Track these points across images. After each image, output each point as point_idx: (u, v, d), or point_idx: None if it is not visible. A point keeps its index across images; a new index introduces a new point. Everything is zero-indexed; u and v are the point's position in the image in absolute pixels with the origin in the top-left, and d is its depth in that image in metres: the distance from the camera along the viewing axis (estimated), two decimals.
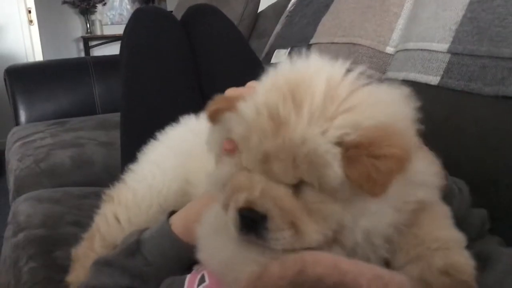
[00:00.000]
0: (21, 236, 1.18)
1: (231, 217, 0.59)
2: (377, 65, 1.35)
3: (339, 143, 0.53)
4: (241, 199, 0.57)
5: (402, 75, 1.19)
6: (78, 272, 0.94)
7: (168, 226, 0.79)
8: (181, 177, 0.92)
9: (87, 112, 2.35)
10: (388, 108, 0.58)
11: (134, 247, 0.78)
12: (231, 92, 0.70)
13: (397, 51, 1.29)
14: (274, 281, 0.52)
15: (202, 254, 0.67)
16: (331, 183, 0.54)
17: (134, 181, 0.96)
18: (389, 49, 1.34)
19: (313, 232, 0.56)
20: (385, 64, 1.34)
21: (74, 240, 1.03)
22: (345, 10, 1.50)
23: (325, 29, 1.55)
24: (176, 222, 0.80)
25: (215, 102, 0.66)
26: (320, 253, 0.56)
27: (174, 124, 1.02)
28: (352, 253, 0.59)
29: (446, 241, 0.61)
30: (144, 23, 1.27)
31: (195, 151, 0.91)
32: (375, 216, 0.57)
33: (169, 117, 1.03)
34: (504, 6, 0.97)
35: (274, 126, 0.55)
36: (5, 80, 2.37)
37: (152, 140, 1.01)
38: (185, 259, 0.77)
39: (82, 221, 1.19)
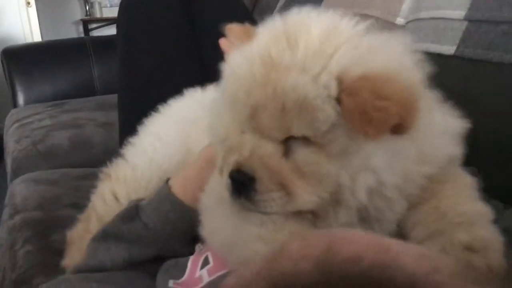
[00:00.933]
0: (17, 218, 1.14)
1: (224, 181, 0.56)
2: None
3: (339, 78, 0.50)
4: (231, 161, 0.54)
5: (414, 46, 1.12)
6: (74, 256, 0.89)
7: (167, 189, 0.75)
8: (183, 148, 0.87)
9: (86, 94, 2.30)
10: (396, 55, 0.54)
11: (133, 211, 0.74)
12: None
13: (408, 22, 1.23)
14: (295, 261, 0.43)
15: (204, 230, 0.64)
16: (322, 127, 0.50)
17: (133, 156, 0.91)
18: (400, 20, 1.27)
19: (306, 193, 0.53)
20: None
21: (71, 222, 0.98)
22: None
23: (331, 2, 1.48)
24: (175, 184, 0.76)
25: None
26: (350, 229, 0.50)
27: (176, 97, 0.97)
28: (365, 214, 0.55)
29: (470, 215, 0.55)
30: None
31: (200, 120, 0.86)
32: (378, 171, 0.51)
33: (168, 92, 0.98)
34: None
35: (265, 72, 0.52)
36: (2, 62, 2.31)
37: (153, 113, 0.96)
38: (185, 224, 0.73)
39: (80, 203, 1.14)
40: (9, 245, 1.07)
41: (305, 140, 0.52)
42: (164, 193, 0.75)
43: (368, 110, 0.47)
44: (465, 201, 0.57)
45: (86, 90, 2.33)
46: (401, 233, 0.58)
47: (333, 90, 0.50)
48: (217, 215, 0.62)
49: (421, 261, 0.37)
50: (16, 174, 1.49)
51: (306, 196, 0.53)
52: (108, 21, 5.52)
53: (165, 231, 0.73)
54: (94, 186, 1.15)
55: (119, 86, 1.21)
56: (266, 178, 0.53)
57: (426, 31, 1.12)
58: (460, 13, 1.01)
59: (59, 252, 0.95)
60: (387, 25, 1.28)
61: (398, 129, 0.49)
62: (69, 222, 1.01)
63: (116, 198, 0.88)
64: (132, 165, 0.90)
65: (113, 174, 0.91)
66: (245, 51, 0.56)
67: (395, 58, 0.53)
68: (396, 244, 0.40)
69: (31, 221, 1.11)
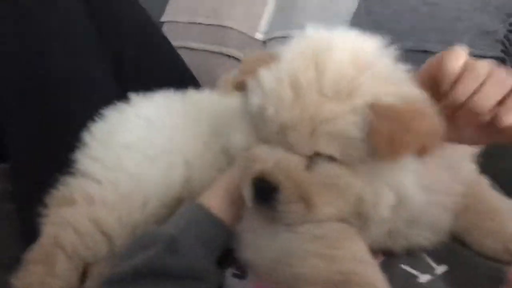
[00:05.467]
0: None
1: (245, 187, 0.59)
2: (247, 50, 1.36)
3: (371, 106, 0.52)
4: (254, 169, 0.57)
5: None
6: None
7: (206, 211, 0.65)
8: (177, 159, 0.75)
9: None
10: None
11: (168, 243, 0.61)
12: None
13: (270, 39, 1.33)
14: None
15: (246, 252, 0.62)
16: (352, 152, 0.54)
17: (106, 172, 0.72)
18: (259, 35, 1.37)
19: (326, 205, 0.56)
20: (255, 50, 1.36)
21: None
22: None
23: (180, 7, 1.46)
24: (213, 204, 0.66)
25: (242, 70, 0.63)
26: None
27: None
28: (395, 234, 0.61)
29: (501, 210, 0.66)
30: None
31: (187, 127, 0.77)
32: (402, 188, 0.55)
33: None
34: (399, 4, 1.15)
35: (293, 95, 0.54)
36: None
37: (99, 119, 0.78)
38: (224, 245, 0.67)
39: None
40: None
41: (330, 157, 0.55)
42: (203, 216, 0.65)
43: (395, 140, 0.50)
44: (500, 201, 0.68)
45: None
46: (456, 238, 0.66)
47: (366, 117, 0.52)
48: (263, 233, 0.61)
49: None
50: None
51: (326, 209, 0.56)
52: None
53: (211, 257, 0.64)
54: None
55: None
56: (289, 189, 0.55)
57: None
58: None
59: None
60: (247, 39, 1.36)
61: (421, 153, 0.53)
62: None
63: (101, 227, 0.68)
64: (110, 185, 0.70)
65: (81, 198, 0.69)
66: (274, 70, 0.57)
67: (412, 90, 0.56)
68: None
69: None
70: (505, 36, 0.98)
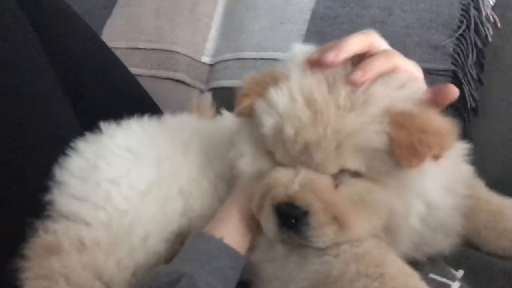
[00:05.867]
0: None
1: (266, 215, 0.57)
2: (195, 74, 1.32)
3: (387, 113, 0.52)
4: (279, 194, 0.55)
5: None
6: None
7: (219, 243, 0.60)
8: (172, 192, 0.69)
9: None
10: (416, 88, 0.58)
11: (191, 284, 0.54)
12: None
13: (218, 62, 1.30)
14: None
15: (270, 285, 0.60)
16: (378, 163, 0.53)
17: (94, 211, 0.64)
18: (205, 59, 1.34)
19: (359, 223, 0.54)
20: (202, 73, 1.32)
21: None
22: (141, 14, 1.38)
23: (116, 32, 1.38)
24: (226, 235, 0.61)
25: (244, 94, 0.60)
26: None
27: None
28: (421, 242, 0.60)
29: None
30: None
31: (175, 154, 0.72)
32: (430, 196, 0.55)
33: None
34: (348, 23, 1.18)
35: (311, 112, 0.54)
36: None
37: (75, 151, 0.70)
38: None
39: None
40: None
41: (355, 172, 0.54)
42: (218, 248, 0.60)
43: (415, 143, 0.50)
44: (503, 201, 0.69)
45: None
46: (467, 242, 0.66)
47: (385, 126, 0.52)
48: (289, 262, 0.58)
49: None
50: None
51: (360, 226, 0.54)
52: None
53: None
54: None
55: None
56: (321, 212, 0.53)
57: (231, 70, 1.25)
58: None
59: None
60: (194, 63, 1.32)
61: (436, 156, 0.53)
62: None
63: (98, 274, 0.59)
64: (102, 225, 0.62)
65: (69, 244, 0.60)
66: (285, 89, 0.56)
67: (418, 91, 0.57)
68: None
69: None
70: (454, 50, 1.04)
